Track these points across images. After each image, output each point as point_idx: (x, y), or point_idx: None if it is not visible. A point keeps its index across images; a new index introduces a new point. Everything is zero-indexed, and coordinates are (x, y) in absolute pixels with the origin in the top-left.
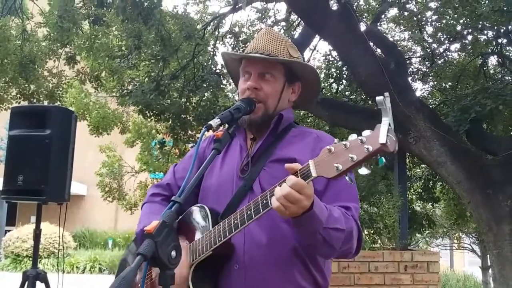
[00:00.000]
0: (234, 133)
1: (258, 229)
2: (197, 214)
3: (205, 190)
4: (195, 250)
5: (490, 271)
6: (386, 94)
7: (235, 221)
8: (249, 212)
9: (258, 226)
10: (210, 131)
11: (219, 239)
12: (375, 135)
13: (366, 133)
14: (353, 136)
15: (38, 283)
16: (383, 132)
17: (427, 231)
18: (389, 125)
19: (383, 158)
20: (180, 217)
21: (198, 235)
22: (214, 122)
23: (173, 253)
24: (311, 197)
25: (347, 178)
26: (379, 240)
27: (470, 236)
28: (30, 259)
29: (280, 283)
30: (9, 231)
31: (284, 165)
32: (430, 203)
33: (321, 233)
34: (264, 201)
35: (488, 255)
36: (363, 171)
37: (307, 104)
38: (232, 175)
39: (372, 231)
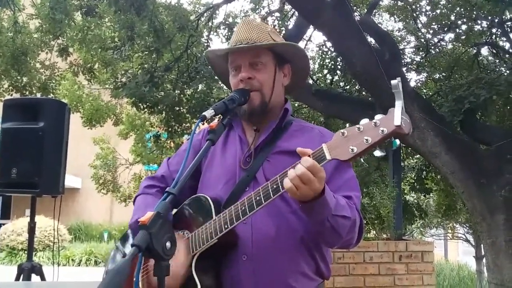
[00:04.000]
0: (229, 124)
1: (266, 220)
2: (198, 203)
3: (204, 182)
4: (198, 239)
5: (484, 260)
6: (399, 78)
7: (243, 208)
8: (258, 198)
9: (265, 217)
10: (205, 122)
11: (225, 226)
12: (389, 118)
13: (378, 116)
14: (365, 120)
15: (33, 276)
16: (397, 115)
17: (420, 222)
18: (402, 108)
19: (397, 140)
20: (179, 208)
21: (200, 225)
22: (208, 113)
23: (168, 244)
24: (323, 180)
25: (362, 160)
26: (373, 230)
27: (464, 226)
28: (26, 252)
29: (287, 272)
30: (3, 224)
31: (287, 157)
32: (423, 194)
33: (330, 220)
34: (275, 186)
35: (482, 245)
36: (378, 153)
37: (299, 86)
38: (234, 166)
39: (365, 222)
